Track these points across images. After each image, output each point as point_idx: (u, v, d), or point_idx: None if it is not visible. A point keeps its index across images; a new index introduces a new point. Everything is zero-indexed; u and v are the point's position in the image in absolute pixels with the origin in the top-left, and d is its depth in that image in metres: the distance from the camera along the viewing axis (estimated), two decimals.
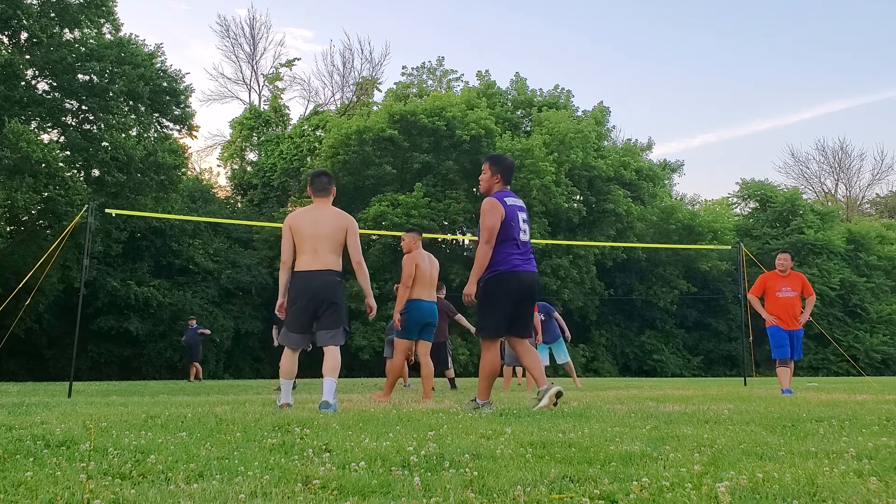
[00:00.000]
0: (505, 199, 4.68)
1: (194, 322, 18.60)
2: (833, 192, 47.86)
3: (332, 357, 4.85)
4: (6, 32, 17.97)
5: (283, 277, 5.04)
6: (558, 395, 4.51)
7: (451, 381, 10.80)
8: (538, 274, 5.06)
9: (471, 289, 4.71)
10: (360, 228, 5.26)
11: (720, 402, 5.68)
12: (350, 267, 5.09)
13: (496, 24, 65.30)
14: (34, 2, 17.93)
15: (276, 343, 10.84)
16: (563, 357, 10.86)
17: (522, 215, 4.74)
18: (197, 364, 17.68)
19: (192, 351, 17.68)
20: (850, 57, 68.18)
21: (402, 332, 6.50)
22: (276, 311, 5.07)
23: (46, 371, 20.37)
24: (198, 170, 34.41)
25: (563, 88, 33.12)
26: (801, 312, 8.03)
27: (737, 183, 41.30)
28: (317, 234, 4.92)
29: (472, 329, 10.59)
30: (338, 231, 4.97)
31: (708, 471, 2.13)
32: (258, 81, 37.81)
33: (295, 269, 4.95)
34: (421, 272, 6.45)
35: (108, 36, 20.06)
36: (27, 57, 17.99)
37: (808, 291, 8.14)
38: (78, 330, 9.15)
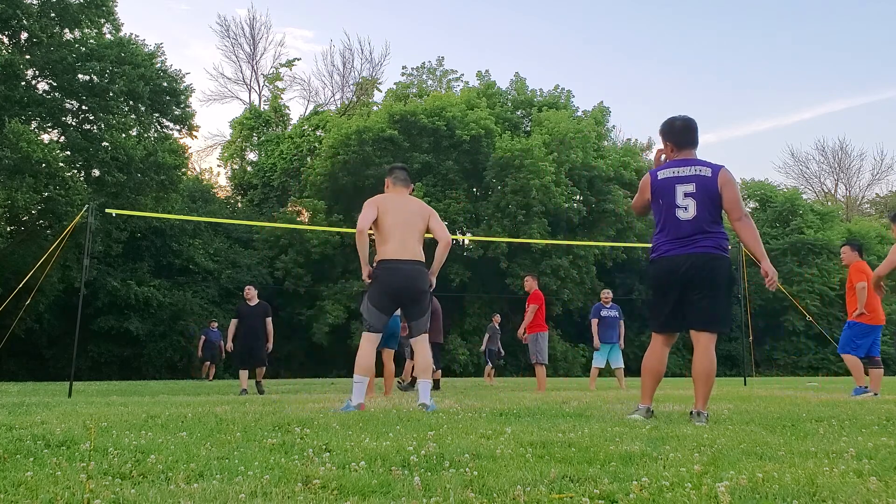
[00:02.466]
0: (659, 171, 3.97)
1: (215, 324, 19.33)
2: (833, 192, 47.90)
3: (423, 355, 4.82)
4: (6, 32, 17.98)
5: (364, 247, 4.79)
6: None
7: (436, 381, 10.63)
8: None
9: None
10: None
11: (720, 402, 5.68)
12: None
13: (496, 24, 65.36)
14: (34, 2, 17.94)
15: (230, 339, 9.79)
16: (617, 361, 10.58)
17: (684, 188, 3.87)
18: (213, 364, 18.77)
19: (213, 351, 18.57)
20: (850, 57, 68.23)
21: None
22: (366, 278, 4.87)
23: (46, 371, 20.38)
24: (198, 170, 34.48)
25: (563, 88, 33.17)
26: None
27: (737, 183, 41.27)
28: (407, 216, 4.83)
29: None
30: (423, 221, 4.92)
31: (708, 471, 2.13)
32: (258, 81, 37.88)
33: (379, 256, 4.81)
34: None
35: (108, 36, 20.09)
36: (27, 57, 18.01)
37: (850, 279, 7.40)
38: (78, 330, 9.15)
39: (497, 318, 15.41)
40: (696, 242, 3.84)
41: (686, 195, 3.85)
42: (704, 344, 3.85)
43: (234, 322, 9.79)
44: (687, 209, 3.85)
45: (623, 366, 10.46)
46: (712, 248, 3.85)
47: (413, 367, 13.38)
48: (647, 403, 4.09)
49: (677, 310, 3.94)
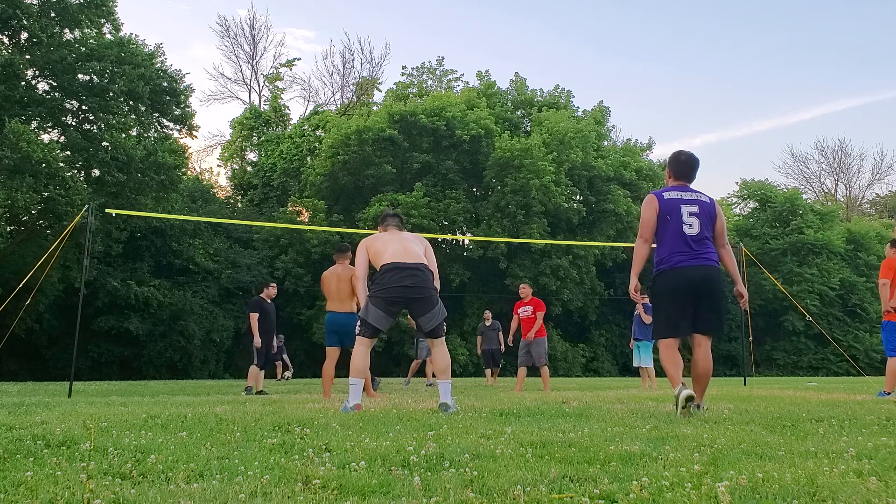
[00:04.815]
0: (664, 193, 4.49)
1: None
2: (833, 192, 47.89)
3: (442, 356, 4.83)
4: (6, 32, 17.97)
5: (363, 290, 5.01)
6: (688, 399, 4.09)
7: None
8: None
9: (631, 284, 4.64)
10: (359, 229, 5.27)
11: (720, 401, 5.68)
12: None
13: (496, 24, 65.35)
14: (34, 2, 17.93)
15: (257, 341, 9.18)
16: (647, 360, 10.77)
17: (689, 208, 4.42)
18: (278, 364, 18.12)
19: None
20: (850, 57, 68.17)
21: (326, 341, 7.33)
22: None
23: (46, 371, 20.36)
24: (198, 170, 34.45)
25: (563, 88, 33.16)
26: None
27: (737, 183, 41.30)
28: (403, 237, 5.00)
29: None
30: (421, 243, 5.06)
31: (708, 470, 2.13)
32: (258, 81, 37.85)
33: (382, 263, 4.87)
34: (327, 289, 7.34)
35: (108, 36, 20.07)
36: (27, 57, 17.99)
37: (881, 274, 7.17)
38: (78, 330, 9.14)
39: (488, 314, 14.36)
40: (707, 255, 4.40)
41: (691, 214, 4.43)
42: (706, 347, 4.39)
43: (256, 316, 9.25)
44: (692, 226, 4.42)
45: (640, 364, 10.76)
46: (717, 263, 4.47)
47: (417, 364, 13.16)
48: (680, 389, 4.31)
49: (689, 316, 4.38)
